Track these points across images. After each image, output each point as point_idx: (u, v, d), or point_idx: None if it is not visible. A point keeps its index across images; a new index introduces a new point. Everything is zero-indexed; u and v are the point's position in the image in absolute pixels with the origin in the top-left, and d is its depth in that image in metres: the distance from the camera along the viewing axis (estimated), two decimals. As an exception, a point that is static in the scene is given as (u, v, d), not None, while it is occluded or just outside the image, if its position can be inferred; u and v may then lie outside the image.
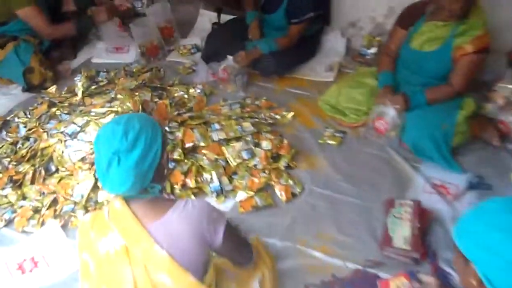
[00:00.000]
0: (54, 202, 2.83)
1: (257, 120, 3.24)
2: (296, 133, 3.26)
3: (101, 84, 3.52)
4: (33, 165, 2.99)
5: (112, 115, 3.08)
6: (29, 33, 3.75)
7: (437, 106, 2.93)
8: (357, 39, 4.02)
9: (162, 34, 4.12)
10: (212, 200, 2.76)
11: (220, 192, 2.79)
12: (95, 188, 2.81)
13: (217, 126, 3.10)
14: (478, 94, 3.17)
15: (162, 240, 1.62)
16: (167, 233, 1.63)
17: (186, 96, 3.52)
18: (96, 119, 3.03)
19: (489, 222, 1.31)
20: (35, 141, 3.15)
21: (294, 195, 2.82)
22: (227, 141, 3.02)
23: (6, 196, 2.89)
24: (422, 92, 2.95)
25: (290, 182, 2.86)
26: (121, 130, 1.54)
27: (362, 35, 4.00)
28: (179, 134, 3.00)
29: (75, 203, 2.79)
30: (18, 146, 3.18)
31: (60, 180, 2.91)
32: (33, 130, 3.24)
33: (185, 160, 2.91)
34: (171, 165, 2.85)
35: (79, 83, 3.41)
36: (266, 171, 2.88)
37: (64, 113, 3.25)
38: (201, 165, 2.90)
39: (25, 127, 3.30)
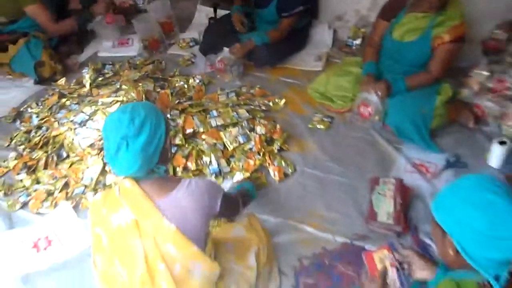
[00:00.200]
0: (66, 185, 2.84)
1: (252, 107, 3.23)
2: (287, 118, 3.26)
3: (107, 76, 3.50)
4: (45, 152, 2.99)
5: (118, 104, 3.08)
6: (39, 30, 3.72)
7: (417, 91, 2.93)
8: (343, 31, 4.00)
9: (162, 29, 4.09)
10: (212, 181, 2.77)
11: (219, 174, 2.80)
12: (103, 172, 2.83)
13: (215, 113, 3.10)
14: (455, 80, 3.16)
15: (170, 214, 1.64)
16: (173, 209, 1.66)
17: (186, 86, 3.51)
18: (103, 108, 3.02)
19: (463, 197, 1.32)
20: (47, 129, 3.15)
21: (286, 175, 2.83)
22: (225, 126, 3.02)
23: (21, 181, 2.90)
24: (402, 79, 2.95)
25: (283, 163, 2.86)
26: (128, 117, 1.55)
27: (348, 27, 3.98)
28: (180, 121, 3.00)
29: (85, 186, 2.80)
30: (31, 135, 3.18)
31: (71, 165, 2.91)
32: (45, 119, 3.23)
33: (186, 145, 2.92)
34: (173, 149, 2.85)
35: (87, 75, 3.40)
36: (260, 154, 2.89)
37: (74, 103, 3.24)
38: (201, 149, 2.91)
39: (37, 117, 3.29)
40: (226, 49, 3.59)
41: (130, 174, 1.62)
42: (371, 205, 2.51)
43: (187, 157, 2.86)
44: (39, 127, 3.20)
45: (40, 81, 3.70)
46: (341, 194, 2.71)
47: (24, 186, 2.87)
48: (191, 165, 2.83)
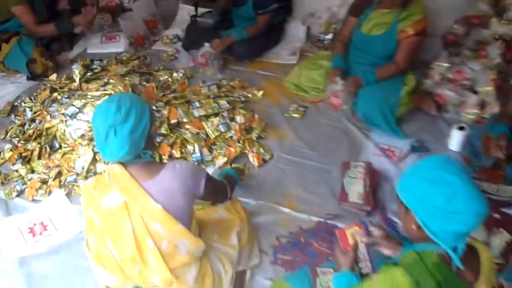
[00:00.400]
0: (59, 174, 2.82)
1: (231, 98, 3.22)
2: (265, 108, 3.27)
3: (95, 71, 3.46)
4: (39, 143, 2.96)
5: (106, 97, 3.03)
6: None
7: (384, 82, 2.96)
8: (315, 27, 4.00)
9: (147, 26, 4.05)
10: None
11: (201, 162, 2.80)
12: (94, 160, 2.80)
13: (197, 104, 3.08)
14: (418, 72, 3.20)
15: (156, 195, 1.65)
16: (159, 190, 1.66)
17: (170, 79, 3.49)
18: (92, 101, 2.99)
19: (423, 177, 1.34)
20: (40, 122, 3.11)
21: (265, 161, 2.85)
22: (207, 117, 3.01)
23: (17, 171, 2.87)
24: (372, 72, 2.97)
25: (261, 150, 2.88)
26: (115, 106, 1.56)
27: (320, 24, 3.97)
28: (165, 112, 2.98)
29: (77, 174, 2.78)
30: (25, 127, 3.14)
31: (63, 155, 2.88)
32: (38, 113, 3.19)
33: (171, 134, 2.90)
34: (159, 138, 2.84)
35: (76, 71, 3.35)
36: (240, 142, 2.90)
37: (64, 97, 3.20)
38: (185, 138, 2.90)
39: (31, 110, 3.25)
40: (207, 44, 3.57)
41: (119, 159, 1.62)
42: (343, 187, 2.54)
43: (172, 146, 2.85)
44: (32, 120, 3.16)
45: (32, 77, 3.65)
46: (315, 177, 2.74)
47: (19, 176, 2.84)
48: (176, 153, 2.83)
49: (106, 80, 3.23)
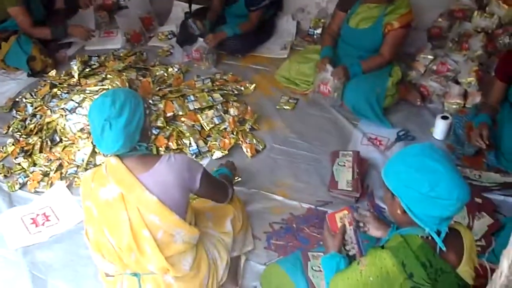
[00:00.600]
0: (60, 166, 2.81)
1: (225, 91, 3.21)
2: (257, 101, 3.26)
3: (93, 67, 3.42)
4: (40, 137, 2.94)
5: (104, 92, 3.03)
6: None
7: (371, 74, 2.96)
8: (305, 22, 3.98)
9: (143, 23, 4.02)
10: (191, 159, 2.77)
11: (198, 154, 2.80)
12: (93, 153, 2.79)
13: (192, 97, 3.07)
14: (404, 64, 3.21)
15: (151, 187, 1.64)
16: (155, 182, 1.65)
17: (165, 74, 3.46)
18: (90, 96, 2.96)
19: (408, 164, 1.34)
20: (40, 117, 3.08)
21: (258, 151, 2.85)
22: (201, 109, 3.00)
23: (19, 164, 2.85)
24: (358, 63, 2.97)
25: (254, 141, 2.87)
26: (109, 100, 1.55)
27: (309, 19, 3.95)
28: (161, 106, 2.96)
29: (77, 167, 2.77)
30: (27, 122, 3.11)
31: (64, 148, 2.87)
32: (38, 108, 3.16)
33: (167, 127, 2.89)
34: (155, 131, 2.83)
35: (75, 67, 3.32)
36: (234, 133, 2.89)
37: (64, 93, 3.17)
38: (180, 131, 2.89)
39: (31, 106, 3.22)
40: (200, 39, 3.55)
41: (115, 152, 1.61)
42: (332, 175, 2.55)
43: (168, 138, 2.84)
44: (33, 115, 3.14)
45: (32, 73, 3.61)
46: (306, 166, 2.74)
47: (22, 169, 2.82)
48: (172, 145, 2.82)
49: (104, 76, 3.20)
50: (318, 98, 3.13)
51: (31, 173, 2.78)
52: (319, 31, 3.84)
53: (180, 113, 2.96)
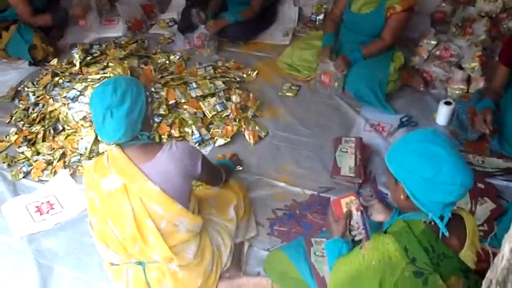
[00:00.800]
0: (63, 155, 2.81)
1: (227, 79, 3.20)
2: (260, 88, 3.25)
3: (95, 55, 3.41)
4: (43, 126, 2.94)
5: (105, 80, 3.02)
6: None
7: (373, 60, 2.93)
8: (307, 8, 3.95)
9: (144, 10, 4.00)
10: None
11: (201, 142, 2.80)
12: (96, 141, 2.79)
13: (194, 85, 3.06)
14: (407, 49, 3.19)
15: (154, 177, 1.64)
16: (157, 171, 1.65)
17: (167, 62, 3.45)
18: (92, 84, 2.96)
19: (411, 149, 1.34)
20: (43, 106, 3.08)
21: (260, 138, 2.85)
22: (203, 97, 2.99)
23: (22, 153, 2.86)
24: (359, 49, 2.95)
25: (257, 128, 2.87)
26: (111, 89, 1.54)
27: (311, 4, 3.92)
28: (163, 93, 2.96)
29: (81, 155, 2.78)
30: (29, 111, 3.12)
31: (66, 137, 2.87)
32: (40, 97, 3.16)
33: (169, 114, 2.89)
34: (157, 119, 2.83)
35: (76, 55, 3.31)
36: (236, 120, 2.89)
37: (66, 81, 3.16)
38: (183, 118, 2.89)
39: (34, 95, 3.22)
40: (202, 26, 3.53)
41: (116, 140, 1.59)
42: (335, 161, 2.55)
43: (171, 126, 2.84)
44: (36, 104, 3.14)
45: (34, 62, 3.61)
46: (308, 153, 2.74)
47: (25, 158, 2.83)
48: (175, 132, 2.82)
49: (105, 64, 3.19)
50: (319, 88, 3.11)
51: (35, 162, 2.79)
52: (321, 17, 3.81)
53: (183, 100, 2.96)
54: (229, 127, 2.84)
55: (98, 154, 2.76)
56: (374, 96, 2.89)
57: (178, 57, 3.51)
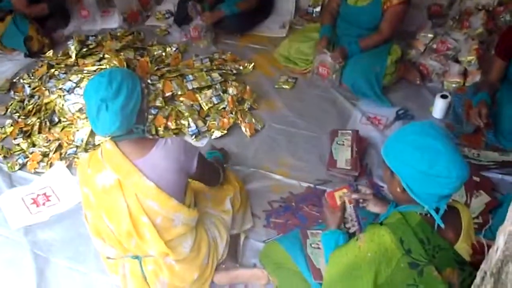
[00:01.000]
0: (59, 147, 2.81)
1: (224, 71, 3.20)
2: (256, 80, 3.25)
3: (90, 47, 3.39)
4: (39, 118, 2.94)
5: (100, 71, 3.01)
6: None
7: (370, 53, 2.93)
8: (304, 0, 3.94)
9: (140, 2, 3.99)
10: (191, 140, 2.77)
11: (198, 134, 2.80)
12: (92, 133, 2.78)
13: (191, 77, 3.05)
14: (404, 42, 3.19)
15: (149, 173, 1.62)
16: (152, 167, 1.63)
17: (163, 54, 3.44)
18: (88, 76, 2.95)
19: (407, 142, 1.34)
20: (39, 97, 3.07)
21: (256, 130, 2.85)
22: (200, 89, 2.99)
23: (18, 145, 2.85)
24: (356, 42, 2.95)
25: (253, 120, 2.88)
26: (106, 81, 1.51)
27: (308, -3, 3.93)
28: (159, 85, 2.96)
29: (77, 147, 2.77)
30: (25, 103, 3.11)
31: (62, 129, 2.87)
32: (36, 88, 3.15)
33: (166, 107, 2.89)
34: (154, 111, 2.83)
35: (72, 47, 3.29)
36: (233, 113, 2.88)
37: (62, 73, 3.15)
38: (179, 110, 2.89)
39: (29, 86, 3.21)
40: (198, 17, 3.52)
41: (111, 133, 1.57)
42: (331, 154, 2.55)
43: (167, 118, 2.84)
44: (31, 96, 3.13)
45: (30, 54, 3.60)
46: (305, 145, 2.74)
47: (21, 149, 2.83)
48: (171, 124, 2.82)
49: (101, 56, 3.18)
50: (316, 80, 3.11)
51: (31, 153, 2.79)
52: (318, 9, 3.81)
53: (179, 92, 2.96)
54: (225, 120, 2.84)
55: (94, 146, 2.76)
56: (371, 88, 2.89)
57: (174, 49, 3.50)
